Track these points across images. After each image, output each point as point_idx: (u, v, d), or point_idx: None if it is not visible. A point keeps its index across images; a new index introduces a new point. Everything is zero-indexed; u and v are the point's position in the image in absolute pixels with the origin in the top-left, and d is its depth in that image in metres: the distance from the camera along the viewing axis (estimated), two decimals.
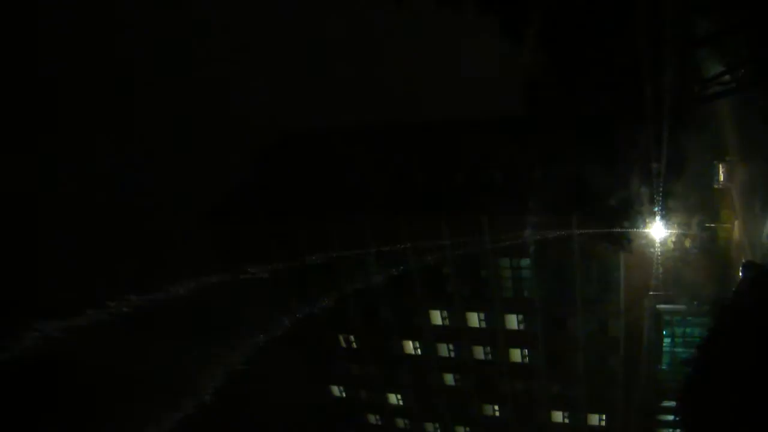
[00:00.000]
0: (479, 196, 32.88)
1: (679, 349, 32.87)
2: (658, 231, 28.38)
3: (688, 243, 30.12)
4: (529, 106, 24.50)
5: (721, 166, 29.70)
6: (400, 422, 45.95)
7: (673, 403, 33.04)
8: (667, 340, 33.21)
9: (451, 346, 39.37)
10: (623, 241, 27.41)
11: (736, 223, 28.81)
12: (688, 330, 32.50)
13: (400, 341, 40.50)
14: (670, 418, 34.80)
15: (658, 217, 26.99)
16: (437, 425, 45.06)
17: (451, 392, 42.12)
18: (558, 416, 39.96)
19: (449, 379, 41.57)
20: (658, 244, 29.46)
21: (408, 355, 40.91)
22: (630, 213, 25.96)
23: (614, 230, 27.11)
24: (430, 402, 43.34)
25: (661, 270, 30.40)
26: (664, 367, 33.94)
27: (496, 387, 40.24)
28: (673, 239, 30.08)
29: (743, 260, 25.91)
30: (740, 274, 24.52)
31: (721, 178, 29.80)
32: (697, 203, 28.71)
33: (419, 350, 40.42)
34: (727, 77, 24.27)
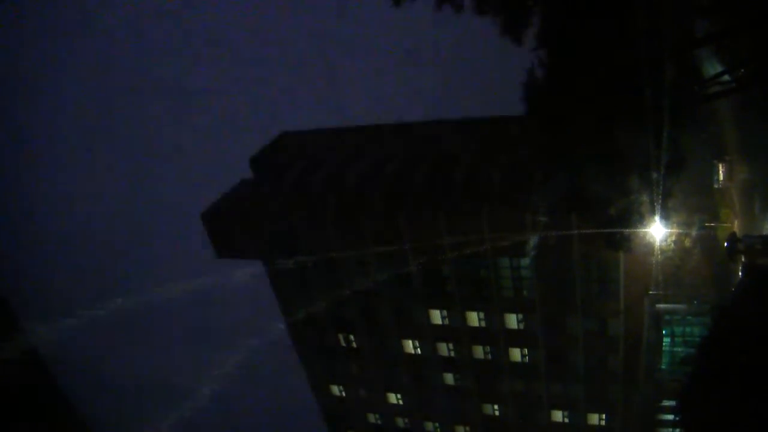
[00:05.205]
0: (478, 196, 32.82)
1: (679, 349, 32.88)
2: (657, 231, 28.31)
3: (687, 243, 30.10)
4: (529, 106, 24.39)
5: (720, 165, 29.70)
6: (400, 421, 45.91)
7: (672, 402, 33.09)
8: (666, 340, 33.20)
9: (450, 345, 39.33)
10: (623, 241, 27.32)
11: (736, 222, 28.81)
12: (687, 329, 32.49)
13: (399, 340, 40.46)
14: (670, 417, 34.81)
15: (657, 217, 26.92)
16: (437, 425, 45.01)
17: (451, 391, 42.09)
18: (558, 415, 39.94)
19: (449, 378, 41.54)
20: (657, 244, 29.42)
21: (408, 354, 40.86)
22: (629, 213, 25.87)
23: (614, 230, 27.01)
24: (430, 401, 43.32)
25: (660, 270, 30.37)
26: (663, 367, 33.92)
27: (495, 386, 40.22)
28: (673, 239, 30.05)
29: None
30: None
31: (721, 177, 29.81)
32: (696, 203, 28.70)
33: (419, 349, 40.37)
34: (726, 77, 24.24)
